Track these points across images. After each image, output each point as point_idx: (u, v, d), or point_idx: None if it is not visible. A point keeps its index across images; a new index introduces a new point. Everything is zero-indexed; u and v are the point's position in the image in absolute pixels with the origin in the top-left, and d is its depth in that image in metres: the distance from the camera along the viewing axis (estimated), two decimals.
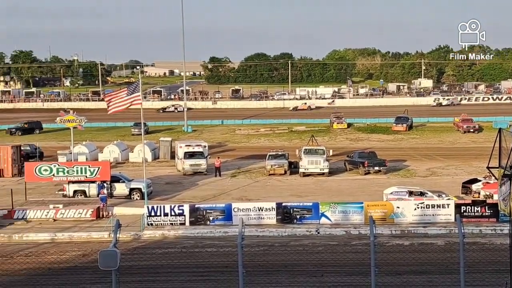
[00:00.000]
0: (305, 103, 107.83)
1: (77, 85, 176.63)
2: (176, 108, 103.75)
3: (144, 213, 33.23)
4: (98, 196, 37.27)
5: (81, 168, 38.89)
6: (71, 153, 51.08)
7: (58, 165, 39.68)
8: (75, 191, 39.53)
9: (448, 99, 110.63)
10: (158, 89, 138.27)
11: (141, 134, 43.98)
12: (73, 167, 39.10)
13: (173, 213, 33.33)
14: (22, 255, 27.73)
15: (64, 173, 38.74)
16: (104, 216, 35.35)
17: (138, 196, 39.48)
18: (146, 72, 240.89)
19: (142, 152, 45.93)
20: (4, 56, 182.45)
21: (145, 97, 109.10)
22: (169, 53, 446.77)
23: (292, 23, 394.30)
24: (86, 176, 38.76)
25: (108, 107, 36.58)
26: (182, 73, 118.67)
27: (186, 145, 52.08)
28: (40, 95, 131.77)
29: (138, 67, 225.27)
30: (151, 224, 32.99)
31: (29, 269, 24.91)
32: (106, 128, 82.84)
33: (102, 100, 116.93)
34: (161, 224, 33.12)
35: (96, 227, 32.96)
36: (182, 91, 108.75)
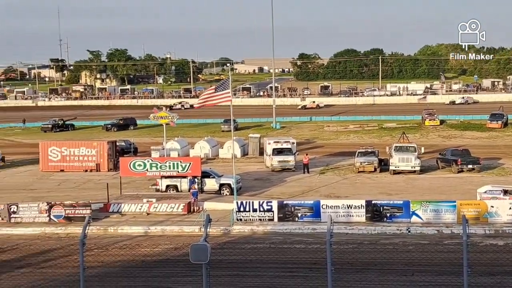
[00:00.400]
0: (314, 101, 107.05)
1: (169, 82, 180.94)
2: (182, 106, 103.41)
3: (234, 208, 33.63)
4: (189, 191, 37.89)
5: (173, 164, 39.71)
6: (163, 148, 52.47)
7: (152, 161, 40.64)
8: (167, 186, 40.39)
9: (462, 97, 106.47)
10: (248, 86, 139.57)
11: (230, 131, 44.48)
12: (165, 163, 39.96)
13: (261, 209, 33.57)
14: (117, 247, 28.59)
15: (157, 168, 39.63)
16: (195, 210, 36.01)
17: (228, 192, 39.95)
18: (236, 69, 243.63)
19: (232, 148, 46.54)
20: (101, 54, 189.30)
21: (234, 94, 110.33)
22: (258, 50, 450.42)
23: (383, 19, 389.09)
24: (178, 171, 39.57)
25: (199, 102, 37.26)
26: (271, 70, 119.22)
27: (275, 142, 52.35)
28: (135, 92, 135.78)
29: (228, 65, 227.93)
30: (240, 220, 33.35)
31: (123, 261, 25.76)
32: (197, 124, 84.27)
33: (194, 97, 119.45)
34: (250, 219, 33.42)
35: (187, 221, 33.58)
36: (271, 88, 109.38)
